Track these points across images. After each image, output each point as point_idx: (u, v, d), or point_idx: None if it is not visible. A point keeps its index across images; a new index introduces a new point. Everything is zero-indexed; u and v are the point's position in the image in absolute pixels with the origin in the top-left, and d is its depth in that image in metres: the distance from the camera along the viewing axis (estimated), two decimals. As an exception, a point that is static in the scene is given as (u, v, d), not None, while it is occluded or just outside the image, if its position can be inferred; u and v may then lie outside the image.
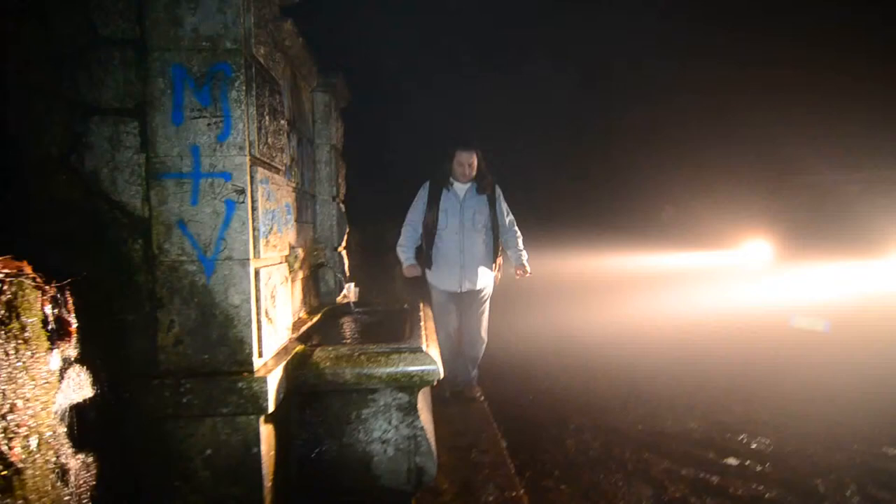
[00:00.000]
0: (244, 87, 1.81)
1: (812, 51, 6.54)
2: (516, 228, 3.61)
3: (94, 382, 1.67)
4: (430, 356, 2.18)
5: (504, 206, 3.56)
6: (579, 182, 9.07)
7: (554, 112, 8.99)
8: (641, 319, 6.44)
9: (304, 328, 2.64)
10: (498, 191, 3.54)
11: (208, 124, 1.80)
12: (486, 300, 3.61)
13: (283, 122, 2.16)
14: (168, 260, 1.82)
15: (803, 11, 6.66)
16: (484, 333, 3.67)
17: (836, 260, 5.47)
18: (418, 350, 2.20)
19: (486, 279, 3.53)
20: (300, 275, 2.88)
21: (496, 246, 3.52)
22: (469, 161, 3.37)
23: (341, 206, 3.65)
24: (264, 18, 1.95)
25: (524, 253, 3.55)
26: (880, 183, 5.63)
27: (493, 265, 3.56)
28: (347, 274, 3.65)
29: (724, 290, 6.30)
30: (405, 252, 3.51)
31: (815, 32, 6.58)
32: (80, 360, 1.64)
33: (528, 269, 3.49)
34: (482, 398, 3.77)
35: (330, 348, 2.20)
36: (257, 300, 1.87)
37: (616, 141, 8.82)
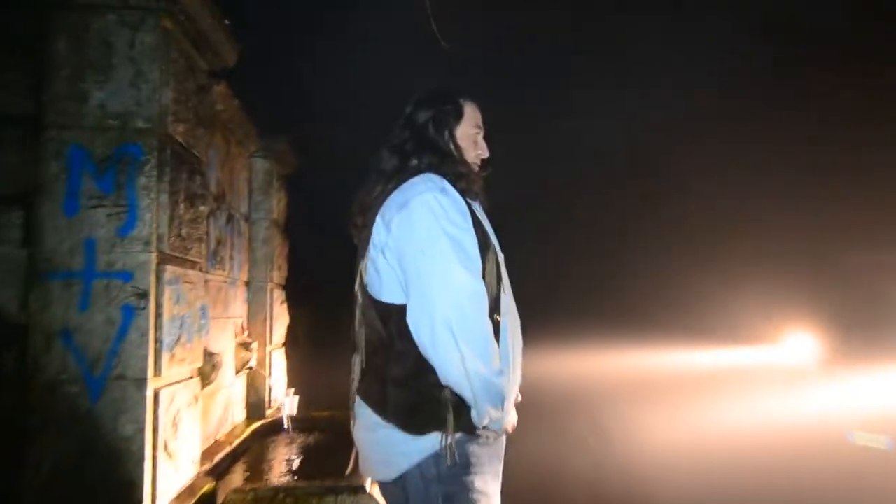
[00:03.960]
0: (156, 172, 1.93)
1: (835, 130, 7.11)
2: None
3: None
4: (375, 499, 2.16)
5: None
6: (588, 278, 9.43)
7: (562, 215, 9.54)
8: (664, 431, 6.40)
9: (220, 455, 2.61)
10: None
11: (108, 215, 1.89)
12: None
13: (202, 207, 2.26)
14: (45, 378, 1.84)
15: (825, 87, 7.27)
16: None
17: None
18: (360, 490, 2.19)
19: None
20: (220, 385, 2.89)
21: None
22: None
23: (280, 293, 3.72)
24: (186, 92, 2.10)
25: None
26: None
27: None
28: (286, 379, 3.66)
29: (765, 395, 6.35)
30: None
31: (840, 107, 7.17)
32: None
33: None
34: None
35: (247, 488, 2.18)
36: (155, 430, 1.88)
37: (637, 239, 9.36)
